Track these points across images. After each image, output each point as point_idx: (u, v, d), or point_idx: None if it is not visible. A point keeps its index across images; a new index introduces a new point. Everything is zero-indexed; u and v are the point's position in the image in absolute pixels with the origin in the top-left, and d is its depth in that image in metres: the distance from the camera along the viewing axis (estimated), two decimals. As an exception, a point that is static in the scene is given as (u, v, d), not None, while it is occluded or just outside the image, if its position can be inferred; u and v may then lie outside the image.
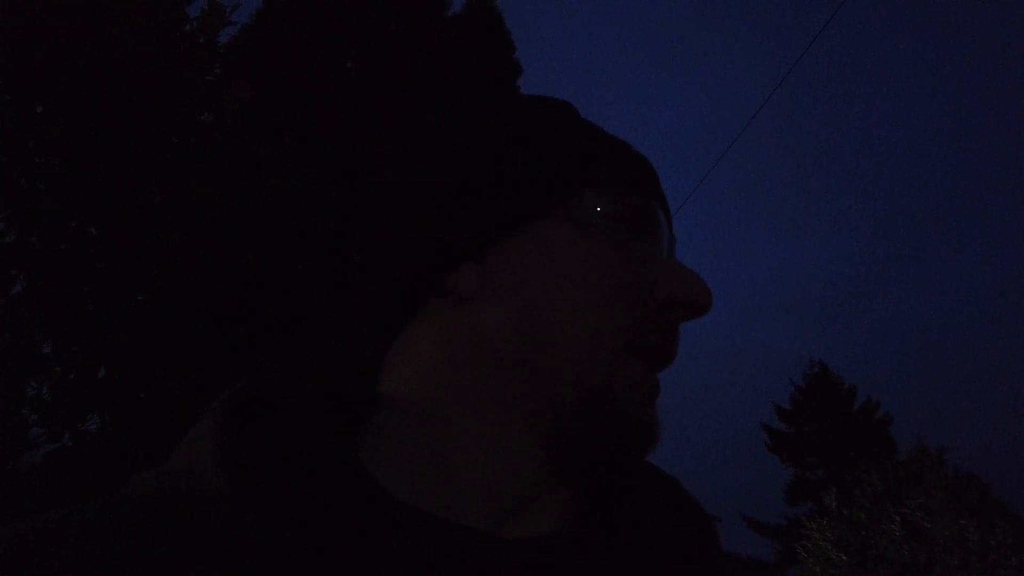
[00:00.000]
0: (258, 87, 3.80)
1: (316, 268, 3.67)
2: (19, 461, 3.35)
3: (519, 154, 0.64)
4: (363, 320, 0.66)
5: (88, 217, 3.16)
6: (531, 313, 0.59)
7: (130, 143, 3.19)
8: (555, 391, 0.58)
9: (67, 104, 3.09)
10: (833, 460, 26.07)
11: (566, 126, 0.68)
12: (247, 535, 0.48)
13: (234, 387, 0.60)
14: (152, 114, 3.20)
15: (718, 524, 0.75)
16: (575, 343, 0.58)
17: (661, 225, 0.65)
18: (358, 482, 0.55)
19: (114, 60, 3.11)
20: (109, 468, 3.18)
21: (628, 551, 0.60)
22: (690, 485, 0.72)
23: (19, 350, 3.23)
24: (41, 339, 3.34)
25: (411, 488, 0.57)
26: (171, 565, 0.47)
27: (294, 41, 9.49)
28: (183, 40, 3.47)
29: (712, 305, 0.62)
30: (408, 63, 9.68)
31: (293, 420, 0.58)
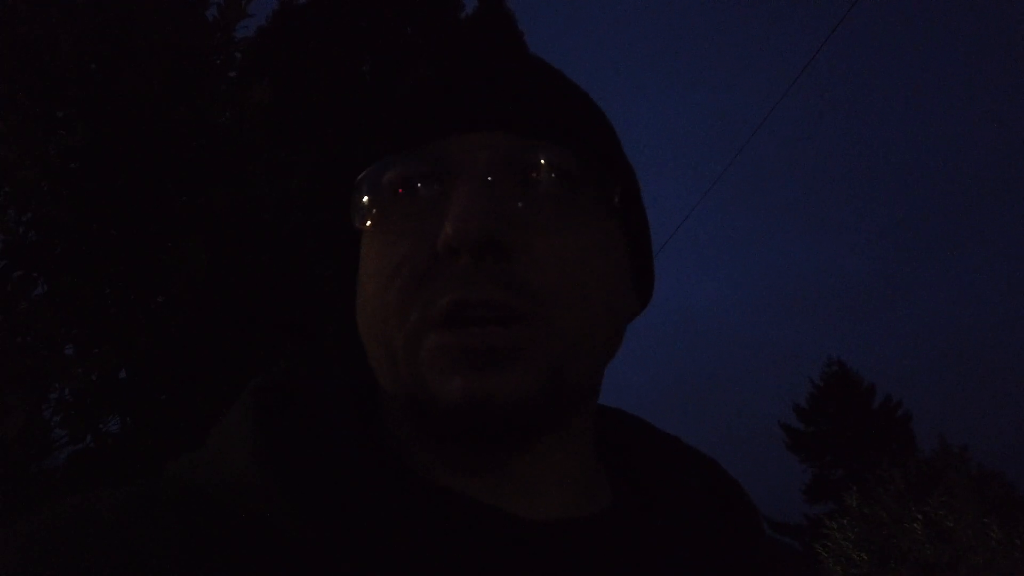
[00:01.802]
0: (275, 89, 3.82)
1: (333, 270, 3.70)
2: (43, 462, 3.40)
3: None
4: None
5: (108, 221, 3.20)
6: (360, 330, 0.61)
7: (149, 147, 3.22)
8: (388, 389, 0.58)
9: (86, 109, 3.13)
10: (853, 459, 25.92)
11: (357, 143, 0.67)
12: (279, 519, 0.49)
13: (262, 376, 0.60)
14: (171, 117, 3.24)
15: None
16: (376, 345, 0.57)
17: (441, 163, 0.56)
18: (385, 465, 0.56)
19: (133, 64, 3.14)
20: (131, 469, 3.22)
21: (661, 533, 0.60)
22: None
23: (42, 352, 3.28)
24: (64, 341, 3.38)
25: (428, 467, 0.58)
26: (204, 549, 0.48)
27: (310, 44, 9.54)
28: (200, 38, 3.50)
29: (467, 231, 0.51)
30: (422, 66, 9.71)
31: (320, 406, 0.59)
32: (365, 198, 0.58)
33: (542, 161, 0.56)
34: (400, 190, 0.57)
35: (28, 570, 0.45)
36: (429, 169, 0.56)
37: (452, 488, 0.56)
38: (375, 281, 0.56)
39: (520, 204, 0.55)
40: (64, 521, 0.49)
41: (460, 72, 0.61)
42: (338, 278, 0.70)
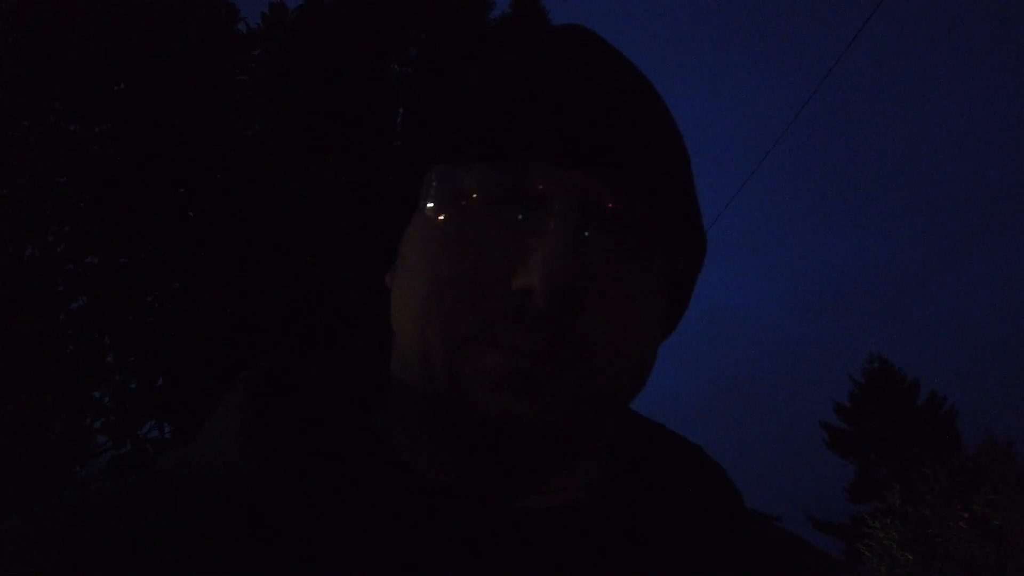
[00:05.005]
0: (303, 94, 3.87)
1: (364, 277, 3.74)
2: (86, 467, 3.49)
3: (405, 155, 0.64)
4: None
5: (143, 234, 3.28)
6: (394, 310, 0.60)
7: (180, 160, 3.30)
8: (417, 380, 0.57)
9: (121, 125, 3.22)
10: (897, 457, 25.40)
11: (439, 103, 0.63)
12: (267, 507, 0.49)
13: (253, 367, 0.60)
14: (200, 132, 3.31)
15: (777, 523, 0.72)
16: (412, 337, 0.56)
17: (538, 191, 0.54)
18: (375, 455, 0.56)
19: (161, 79, 3.22)
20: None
21: (648, 519, 0.60)
22: (749, 484, 0.68)
23: (84, 360, 3.37)
24: (105, 350, 3.47)
25: (425, 459, 0.58)
26: (194, 539, 0.48)
27: (339, 48, 9.57)
28: (229, 52, 3.55)
29: (556, 284, 0.51)
30: (455, 69, 9.70)
31: (313, 397, 0.59)
32: (443, 191, 0.57)
33: (630, 219, 0.56)
34: (484, 200, 0.55)
35: (19, 566, 0.45)
36: (520, 193, 0.55)
37: (446, 480, 0.56)
38: (431, 277, 0.55)
39: (598, 258, 0.54)
40: (54, 516, 0.49)
41: (568, 88, 0.57)
42: (379, 235, 0.68)
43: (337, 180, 3.60)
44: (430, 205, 0.57)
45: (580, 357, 0.54)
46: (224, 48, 3.56)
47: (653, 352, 0.62)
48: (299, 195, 3.46)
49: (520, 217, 0.55)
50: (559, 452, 0.57)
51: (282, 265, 3.39)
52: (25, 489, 2.95)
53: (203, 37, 3.29)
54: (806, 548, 0.70)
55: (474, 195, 0.56)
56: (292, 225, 3.40)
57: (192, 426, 3.41)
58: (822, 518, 27.25)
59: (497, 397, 0.52)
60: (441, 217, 0.57)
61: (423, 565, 0.50)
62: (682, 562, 0.57)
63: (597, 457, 0.67)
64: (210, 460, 0.54)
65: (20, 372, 3.11)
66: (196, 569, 0.47)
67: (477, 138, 0.57)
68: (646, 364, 0.60)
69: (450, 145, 0.58)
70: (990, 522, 15.83)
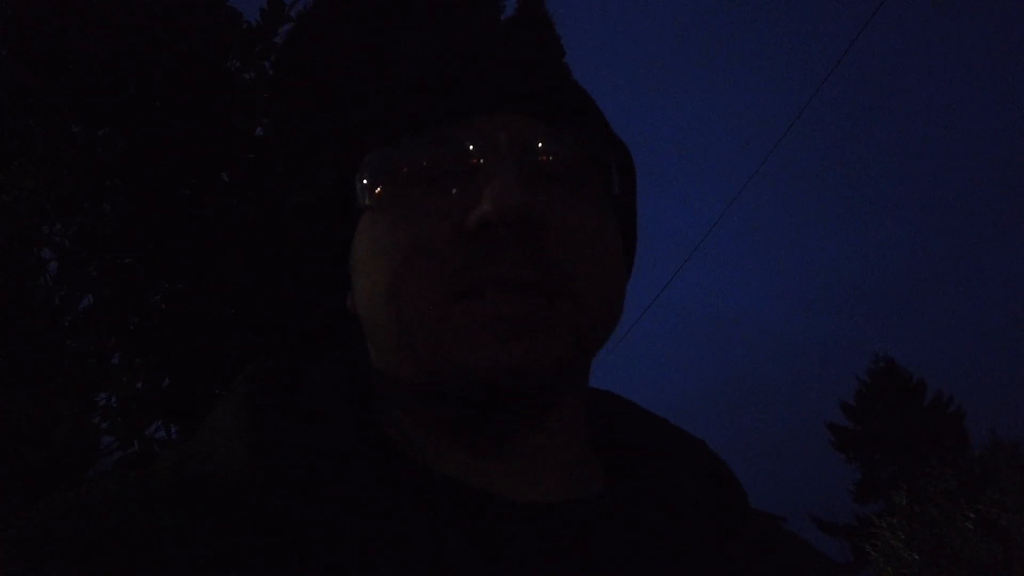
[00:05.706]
0: (304, 92, 3.86)
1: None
2: (93, 467, 3.50)
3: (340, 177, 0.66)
4: None
5: (148, 234, 3.29)
6: (361, 311, 0.61)
7: (185, 160, 3.31)
8: (397, 370, 0.58)
9: (125, 125, 3.23)
10: (904, 457, 25.33)
11: (357, 122, 0.64)
12: (269, 506, 0.49)
13: (255, 365, 0.61)
14: (206, 130, 3.32)
15: (783, 523, 0.73)
16: (383, 323, 0.57)
17: (462, 145, 0.56)
18: (375, 448, 0.57)
19: (169, 80, 3.23)
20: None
21: (652, 515, 0.60)
22: (755, 485, 0.67)
23: (90, 361, 3.38)
24: (111, 350, 3.48)
25: (425, 451, 0.58)
26: (196, 538, 0.48)
27: (347, 47, 9.55)
28: (237, 47, 3.55)
29: (507, 207, 0.52)
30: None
31: (313, 393, 0.60)
32: (377, 178, 0.58)
33: (558, 145, 0.58)
34: (418, 171, 0.57)
35: (20, 567, 0.45)
36: (450, 151, 0.56)
37: (448, 474, 0.56)
38: (388, 258, 0.56)
39: (541, 185, 0.56)
40: (55, 515, 0.49)
41: (468, 53, 0.61)
42: (325, 263, 0.68)
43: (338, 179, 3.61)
44: (371, 192, 0.59)
45: (561, 281, 0.55)
46: (224, 48, 3.56)
47: (623, 276, 0.63)
48: (300, 195, 3.46)
49: (459, 173, 0.56)
50: (560, 393, 0.58)
51: (283, 265, 3.40)
52: (33, 489, 2.96)
53: (204, 37, 3.30)
54: (806, 549, 0.70)
55: (407, 166, 0.57)
56: (293, 225, 3.41)
57: (198, 426, 3.42)
58: (827, 519, 27.20)
59: (486, 353, 0.53)
60: (383, 197, 0.58)
61: (429, 566, 0.50)
62: (682, 559, 0.58)
63: (599, 451, 0.67)
64: (214, 461, 0.54)
65: (26, 373, 3.12)
66: (201, 573, 0.47)
67: (395, 117, 0.59)
68: (621, 287, 0.62)
69: (372, 136, 0.60)
70: (997, 522, 15.73)
